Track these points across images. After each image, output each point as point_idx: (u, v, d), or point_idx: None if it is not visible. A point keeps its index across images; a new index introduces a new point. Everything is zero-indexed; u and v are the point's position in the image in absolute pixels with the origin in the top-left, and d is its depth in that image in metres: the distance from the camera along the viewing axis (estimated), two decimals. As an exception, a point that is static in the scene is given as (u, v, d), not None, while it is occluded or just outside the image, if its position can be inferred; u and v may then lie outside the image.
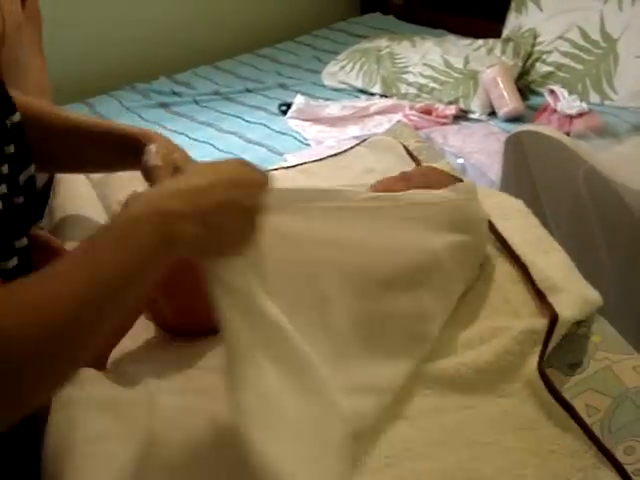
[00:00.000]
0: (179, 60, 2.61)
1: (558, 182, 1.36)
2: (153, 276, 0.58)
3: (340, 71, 2.43)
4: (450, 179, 0.93)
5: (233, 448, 0.60)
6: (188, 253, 0.61)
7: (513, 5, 2.41)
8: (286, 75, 2.51)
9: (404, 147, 1.18)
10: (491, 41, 2.32)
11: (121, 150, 0.83)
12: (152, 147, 0.78)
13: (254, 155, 1.89)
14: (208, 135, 2.06)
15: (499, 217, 0.96)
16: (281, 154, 1.89)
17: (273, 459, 0.58)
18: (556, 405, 0.72)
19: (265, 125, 2.11)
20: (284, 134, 2.04)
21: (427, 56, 2.31)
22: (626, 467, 0.67)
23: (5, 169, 0.67)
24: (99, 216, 0.99)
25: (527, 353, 0.77)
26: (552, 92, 2.00)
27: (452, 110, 2.08)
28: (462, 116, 2.11)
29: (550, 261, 0.89)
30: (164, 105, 2.29)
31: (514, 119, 2.03)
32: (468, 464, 0.67)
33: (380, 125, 2.01)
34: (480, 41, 2.34)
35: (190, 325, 0.82)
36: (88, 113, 2.22)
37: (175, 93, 2.38)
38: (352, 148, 1.25)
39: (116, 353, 0.79)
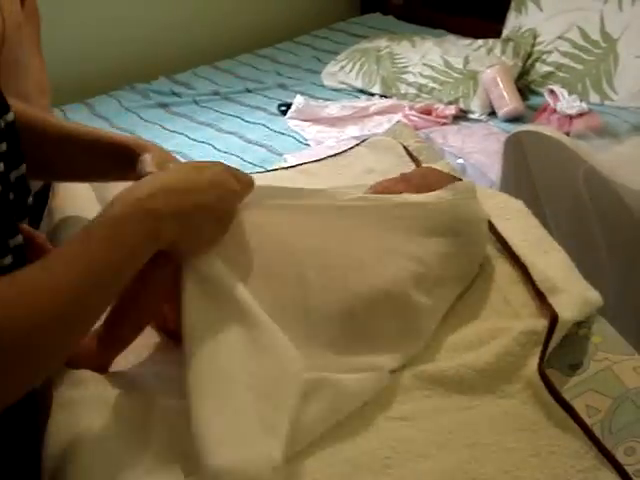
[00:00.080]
0: (179, 60, 2.61)
1: (558, 182, 1.36)
2: (137, 269, 0.63)
3: (340, 71, 2.43)
4: (450, 180, 0.93)
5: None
6: (166, 249, 0.66)
7: (513, 5, 2.42)
8: (286, 75, 2.51)
9: (404, 147, 1.18)
10: (491, 41, 2.32)
11: (114, 159, 0.82)
12: (147, 156, 0.78)
13: (254, 155, 1.89)
14: (208, 135, 2.06)
15: (499, 217, 0.96)
16: (281, 154, 1.89)
17: (203, 423, 0.61)
18: (556, 406, 0.72)
19: (265, 125, 2.11)
20: (284, 134, 2.04)
21: (427, 56, 2.31)
22: (627, 468, 0.66)
23: (1, 167, 0.66)
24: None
25: (527, 354, 0.77)
26: (552, 92, 2.00)
27: (452, 110, 2.08)
28: (462, 116, 2.11)
29: (550, 261, 0.89)
30: (164, 105, 2.29)
31: (514, 119, 2.03)
32: (468, 465, 0.67)
33: (380, 125, 2.02)
34: (480, 41, 2.34)
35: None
36: (87, 113, 2.23)
37: (175, 93, 2.38)
38: (352, 148, 1.25)
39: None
